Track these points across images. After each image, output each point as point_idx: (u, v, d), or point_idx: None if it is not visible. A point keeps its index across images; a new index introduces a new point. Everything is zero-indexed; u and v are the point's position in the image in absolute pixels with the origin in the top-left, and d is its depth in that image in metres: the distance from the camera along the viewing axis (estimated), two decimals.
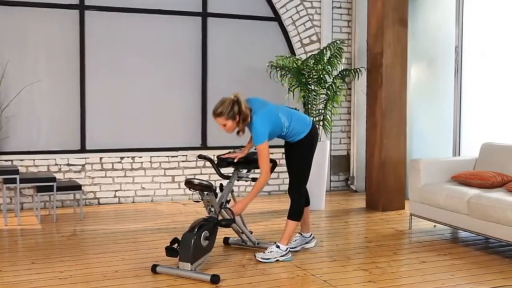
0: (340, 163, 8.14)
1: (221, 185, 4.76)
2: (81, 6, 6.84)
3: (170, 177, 7.27)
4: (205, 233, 4.27)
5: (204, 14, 7.39)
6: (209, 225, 4.34)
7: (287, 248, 4.67)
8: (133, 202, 7.11)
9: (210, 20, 7.43)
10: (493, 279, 4.25)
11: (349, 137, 8.15)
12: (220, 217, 4.53)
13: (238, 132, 4.58)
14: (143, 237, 5.38)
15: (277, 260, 4.60)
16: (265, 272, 4.37)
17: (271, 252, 4.62)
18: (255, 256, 4.64)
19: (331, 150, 7.89)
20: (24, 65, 6.67)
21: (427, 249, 5.07)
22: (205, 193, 4.42)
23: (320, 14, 7.86)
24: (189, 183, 4.41)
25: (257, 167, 4.82)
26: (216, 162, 4.87)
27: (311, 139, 4.73)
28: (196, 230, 4.23)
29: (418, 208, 5.66)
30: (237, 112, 4.41)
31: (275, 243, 4.70)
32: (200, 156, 5.07)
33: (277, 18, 7.72)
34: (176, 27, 7.30)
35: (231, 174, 4.87)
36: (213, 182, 4.70)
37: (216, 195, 4.49)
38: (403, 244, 5.33)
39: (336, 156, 8.10)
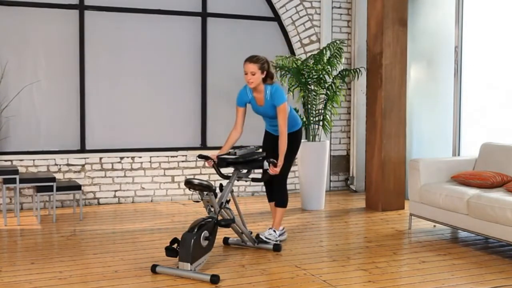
0: (340, 163, 8.14)
1: (221, 185, 4.76)
2: (81, 6, 6.83)
3: (169, 177, 7.26)
4: (204, 233, 4.27)
5: (204, 14, 7.39)
6: (209, 225, 4.34)
7: (283, 228, 5.26)
8: (132, 202, 7.11)
9: (210, 20, 7.42)
10: (493, 279, 4.25)
11: (349, 137, 8.15)
12: (220, 217, 4.53)
13: (254, 89, 4.99)
14: (142, 237, 5.38)
15: (278, 241, 5.07)
16: (265, 272, 4.37)
17: (270, 234, 5.10)
18: (259, 235, 5.03)
19: (330, 150, 7.89)
20: (24, 65, 6.67)
21: (427, 249, 5.07)
22: (205, 193, 4.42)
23: (319, 14, 7.86)
24: (189, 183, 4.41)
25: (257, 167, 4.83)
26: (216, 162, 4.87)
27: (299, 136, 5.27)
28: (196, 230, 4.23)
29: (418, 208, 5.66)
30: (266, 68, 4.95)
31: (270, 228, 5.17)
32: (200, 156, 5.07)
33: (276, 18, 7.72)
34: (176, 27, 7.30)
35: (231, 174, 4.87)
36: (213, 182, 4.70)
37: (216, 195, 4.49)
38: (403, 244, 5.33)
39: (335, 156, 8.09)
